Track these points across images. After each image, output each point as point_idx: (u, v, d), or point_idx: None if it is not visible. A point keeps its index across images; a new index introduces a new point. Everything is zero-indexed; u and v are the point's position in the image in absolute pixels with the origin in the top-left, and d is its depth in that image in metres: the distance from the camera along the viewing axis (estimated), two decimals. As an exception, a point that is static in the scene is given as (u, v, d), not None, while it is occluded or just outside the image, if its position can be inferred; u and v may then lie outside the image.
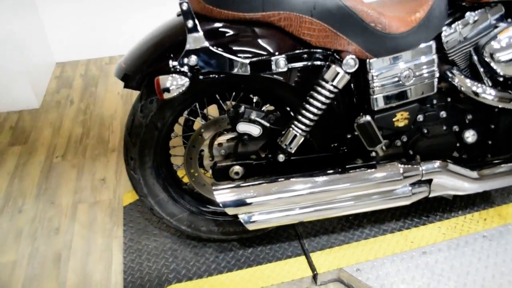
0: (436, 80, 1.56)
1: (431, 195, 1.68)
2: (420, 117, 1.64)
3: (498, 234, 1.87)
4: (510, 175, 1.72)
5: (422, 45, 1.50)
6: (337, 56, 1.42)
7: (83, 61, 3.52)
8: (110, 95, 3.00)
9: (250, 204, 1.49)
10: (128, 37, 3.29)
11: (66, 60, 3.52)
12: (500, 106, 1.62)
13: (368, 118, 1.50)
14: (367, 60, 1.46)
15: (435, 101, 1.65)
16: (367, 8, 1.38)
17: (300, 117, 1.47)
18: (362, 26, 1.38)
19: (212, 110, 1.75)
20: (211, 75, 1.38)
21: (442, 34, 1.55)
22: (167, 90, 1.32)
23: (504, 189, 2.10)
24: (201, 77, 1.37)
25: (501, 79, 1.61)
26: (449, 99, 1.67)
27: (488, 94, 1.58)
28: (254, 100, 1.72)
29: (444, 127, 1.66)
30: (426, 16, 1.47)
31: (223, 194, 1.48)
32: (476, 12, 1.55)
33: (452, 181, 1.66)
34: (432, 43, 1.52)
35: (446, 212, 1.98)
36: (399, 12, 1.47)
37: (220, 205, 1.49)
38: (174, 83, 1.32)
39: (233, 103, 1.65)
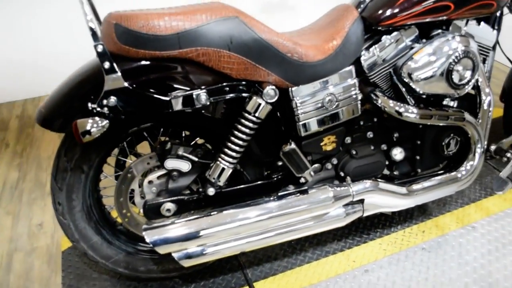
0: (359, 102, 1.60)
1: (366, 214, 1.71)
2: (348, 139, 1.67)
3: (436, 245, 1.92)
4: (439, 188, 1.78)
5: (342, 70, 1.54)
6: (258, 87, 1.44)
7: (20, 101, 3.42)
8: (47, 135, 2.91)
9: (180, 240, 1.47)
10: (65, 74, 3.23)
11: (1, 101, 3.41)
12: (422, 123, 1.68)
13: (292, 146, 1.52)
14: (289, 88, 1.48)
15: (361, 122, 1.70)
16: (282, 39, 1.41)
17: (226, 149, 1.47)
18: (279, 57, 1.41)
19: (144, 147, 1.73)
20: (133, 114, 1.37)
21: (361, 58, 1.60)
22: (87, 133, 1.30)
23: (441, 200, 2.17)
24: (122, 117, 1.35)
25: (422, 96, 1.67)
26: (375, 119, 1.71)
27: (410, 112, 1.64)
28: (186, 134, 1.71)
29: (372, 147, 1.71)
30: (342, 42, 1.51)
31: (152, 233, 1.46)
32: (392, 35, 1.62)
33: (384, 199, 1.70)
34: (352, 68, 1.56)
35: (386, 228, 2.02)
36: (316, 41, 1.51)
37: (150, 244, 1.46)
38: (94, 126, 1.30)
39: (165, 138, 1.64)
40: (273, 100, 1.42)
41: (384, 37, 1.61)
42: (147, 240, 1.45)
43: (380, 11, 1.56)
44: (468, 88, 1.66)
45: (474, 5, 1.57)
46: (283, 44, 1.40)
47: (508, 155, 1.82)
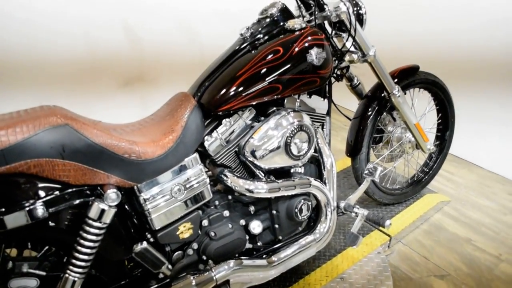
0: (208, 186, 1.63)
1: (234, 293, 1.72)
2: (205, 222, 1.69)
3: (310, 305, 1.99)
4: (299, 253, 1.87)
5: (186, 159, 1.58)
6: (100, 190, 1.41)
7: None
8: None
9: None
10: None
11: None
12: (273, 196, 1.76)
13: (144, 245, 1.50)
14: (135, 186, 1.48)
15: (217, 202, 1.73)
16: (117, 141, 1.40)
17: (74, 260, 1.40)
18: (116, 159, 1.40)
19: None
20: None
21: (205, 143, 1.66)
22: None
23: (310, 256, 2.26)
24: None
25: (271, 169, 1.76)
26: (229, 197, 1.76)
27: (260, 189, 1.71)
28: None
29: (230, 225, 1.74)
30: (182, 133, 1.55)
31: None
32: (231, 118, 1.70)
33: (249, 275, 1.74)
34: (196, 155, 1.61)
35: (254, 297, 2.04)
36: (155, 135, 1.52)
37: None
38: None
39: (10, 251, 1.52)
40: (116, 203, 1.40)
41: (224, 121, 1.69)
42: None
43: (216, 98, 1.64)
44: (307, 157, 1.79)
45: (300, 84, 1.72)
46: (119, 146, 1.40)
47: (356, 210, 1.97)
